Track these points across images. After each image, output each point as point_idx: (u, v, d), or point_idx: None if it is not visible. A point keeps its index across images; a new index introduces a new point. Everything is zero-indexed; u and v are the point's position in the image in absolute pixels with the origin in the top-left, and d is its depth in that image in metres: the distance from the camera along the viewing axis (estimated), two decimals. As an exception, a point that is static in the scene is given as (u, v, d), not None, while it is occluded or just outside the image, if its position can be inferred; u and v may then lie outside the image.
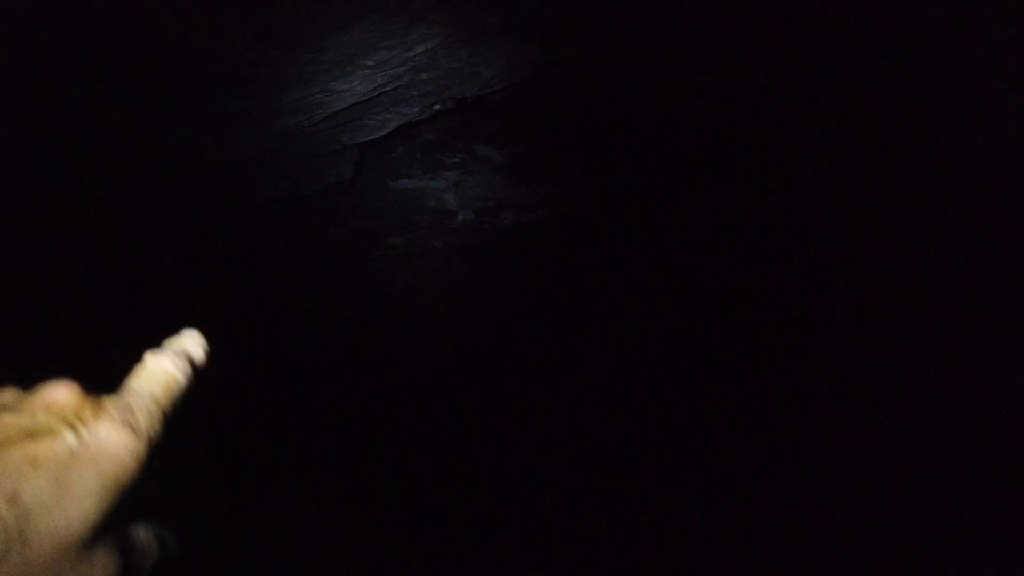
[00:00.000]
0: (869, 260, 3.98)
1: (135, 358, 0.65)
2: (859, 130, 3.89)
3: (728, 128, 4.13)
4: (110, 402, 0.59)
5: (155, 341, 0.68)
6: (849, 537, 3.64)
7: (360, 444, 4.20)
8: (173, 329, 0.71)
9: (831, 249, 4.05)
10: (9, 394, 0.58)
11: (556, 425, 4.25)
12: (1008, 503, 3.44)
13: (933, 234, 3.80)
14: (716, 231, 4.28)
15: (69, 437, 0.54)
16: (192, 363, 0.67)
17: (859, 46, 3.64)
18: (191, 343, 0.68)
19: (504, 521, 3.97)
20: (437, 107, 4.04)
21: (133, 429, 0.57)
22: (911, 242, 3.87)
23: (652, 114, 4.23)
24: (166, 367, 0.64)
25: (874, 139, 3.89)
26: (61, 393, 0.57)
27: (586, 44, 3.77)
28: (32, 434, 0.53)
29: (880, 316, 3.94)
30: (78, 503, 0.51)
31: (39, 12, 2.65)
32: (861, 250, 3.98)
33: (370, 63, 3.43)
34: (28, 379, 0.60)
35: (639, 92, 4.12)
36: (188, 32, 2.90)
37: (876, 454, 3.76)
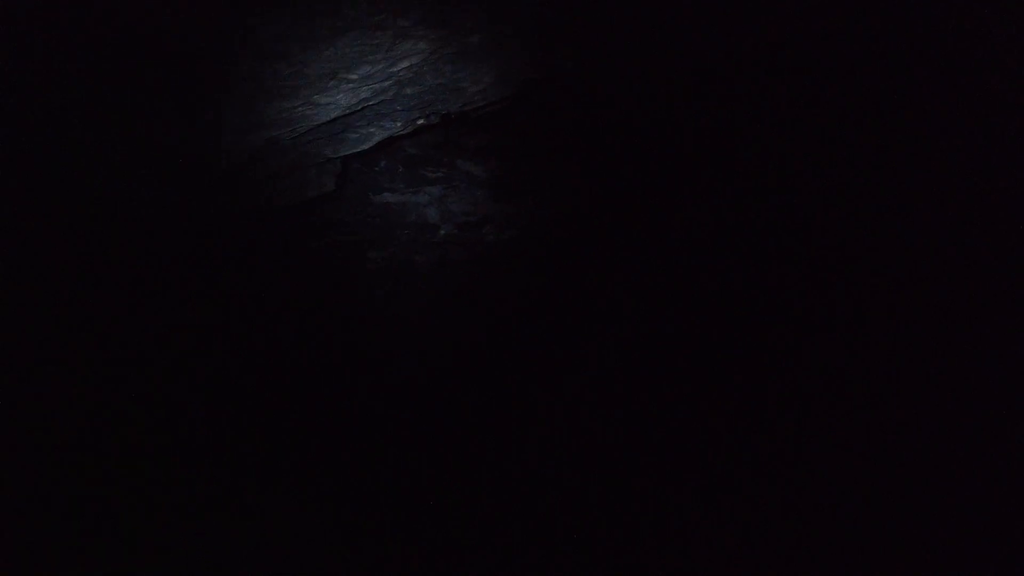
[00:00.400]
0: (869, 260, 3.98)
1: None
2: (859, 130, 3.89)
3: (728, 128, 4.14)
4: None
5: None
6: (849, 537, 3.63)
7: (360, 444, 4.20)
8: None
9: (831, 249, 4.05)
10: None
11: (556, 425, 4.25)
12: (1008, 503, 3.44)
13: (933, 234, 3.80)
14: (716, 231, 4.28)
15: None
16: None
17: (859, 46, 3.64)
18: None
19: (504, 521, 3.97)
20: (421, 122, 4.07)
21: None
22: (911, 242, 3.87)
23: (648, 117, 4.23)
24: None
25: (874, 139, 3.88)
26: None
27: (570, 62, 3.79)
28: None
29: (880, 316, 3.94)
30: None
31: (39, 12, 2.65)
32: (861, 250, 3.98)
33: (354, 77, 3.46)
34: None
35: (626, 104, 4.13)
36: (188, 33, 2.91)
37: (876, 454, 3.76)
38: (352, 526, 3.93)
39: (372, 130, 4.03)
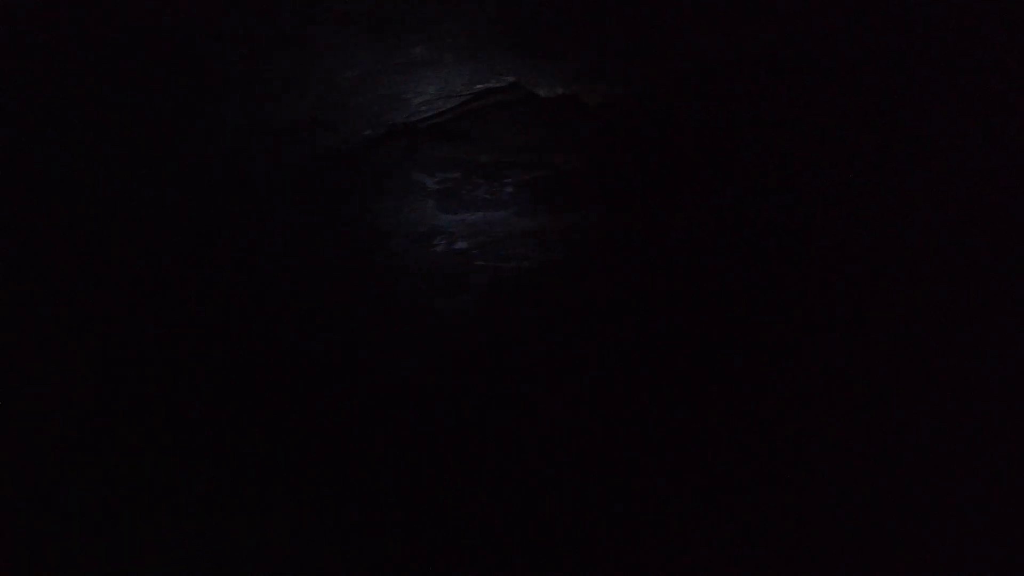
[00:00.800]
0: (869, 260, 3.98)
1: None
2: (859, 130, 3.89)
3: (728, 128, 4.13)
4: None
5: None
6: (849, 537, 3.63)
7: (360, 444, 4.20)
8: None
9: (831, 249, 4.05)
10: None
11: (556, 425, 4.25)
12: (1008, 503, 3.44)
13: (933, 234, 3.80)
14: (716, 231, 4.28)
15: None
16: None
17: (859, 46, 3.64)
18: None
19: (504, 521, 3.97)
20: (368, 132, 4.07)
21: None
22: (911, 242, 3.87)
23: (649, 118, 4.23)
24: None
25: (874, 139, 3.88)
26: None
27: (517, 73, 3.81)
28: None
29: (880, 316, 3.94)
30: None
31: (39, 12, 2.65)
32: (861, 250, 3.98)
33: (299, 87, 3.48)
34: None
35: (619, 104, 4.12)
36: (188, 32, 2.91)
37: (876, 454, 3.76)
38: (352, 526, 3.93)
39: (318, 141, 4.03)
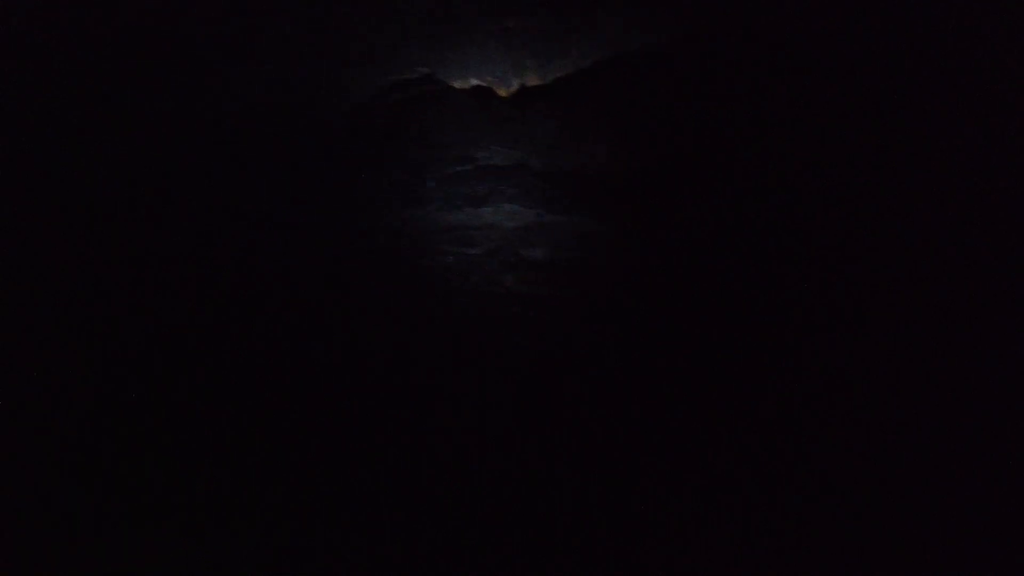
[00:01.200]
0: (869, 260, 3.97)
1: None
2: (859, 130, 3.89)
3: (728, 128, 4.13)
4: None
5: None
6: (849, 537, 3.63)
7: (360, 444, 4.20)
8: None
9: (831, 249, 4.05)
10: None
11: (556, 425, 4.25)
12: (1008, 503, 3.44)
13: (933, 234, 3.80)
14: (716, 231, 4.28)
15: None
16: None
17: (859, 46, 3.65)
18: None
19: (504, 521, 3.97)
20: (309, 128, 4.03)
21: None
22: (911, 242, 3.87)
23: (649, 116, 4.23)
24: None
25: (874, 139, 3.89)
26: None
27: (431, 65, 3.79)
28: None
29: (880, 316, 3.94)
30: None
31: (39, 12, 2.66)
32: (861, 250, 3.98)
33: (236, 85, 3.47)
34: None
35: (609, 103, 4.10)
36: (188, 32, 2.91)
37: (876, 454, 3.76)
38: (352, 526, 3.93)
39: (258, 137, 3.98)
